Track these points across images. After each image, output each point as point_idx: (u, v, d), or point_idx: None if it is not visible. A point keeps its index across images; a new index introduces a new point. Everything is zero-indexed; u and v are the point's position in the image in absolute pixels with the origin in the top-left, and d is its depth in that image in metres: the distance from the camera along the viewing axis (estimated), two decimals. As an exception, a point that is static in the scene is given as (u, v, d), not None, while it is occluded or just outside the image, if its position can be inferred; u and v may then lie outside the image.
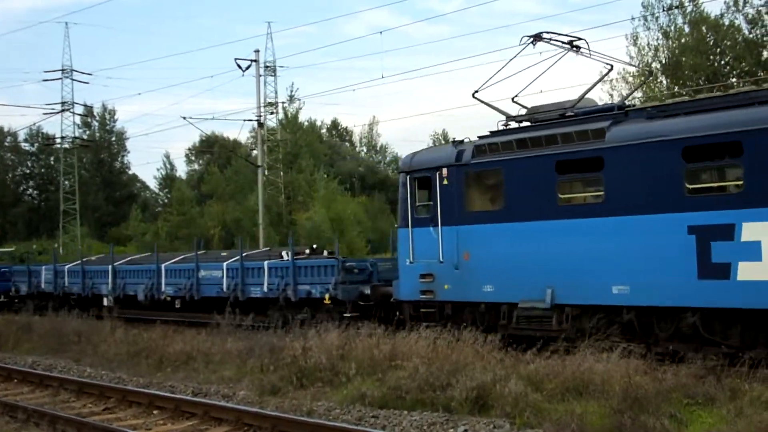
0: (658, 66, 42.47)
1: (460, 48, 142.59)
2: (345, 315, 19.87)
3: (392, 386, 12.98)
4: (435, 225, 17.53)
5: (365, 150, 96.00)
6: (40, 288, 32.03)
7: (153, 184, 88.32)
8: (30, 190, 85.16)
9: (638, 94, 41.85)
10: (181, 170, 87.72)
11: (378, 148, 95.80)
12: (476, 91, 18.00)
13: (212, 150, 75.16)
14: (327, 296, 20.70)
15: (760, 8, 39.13)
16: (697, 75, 41.28)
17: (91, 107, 78.96)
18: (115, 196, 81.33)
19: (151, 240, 53.76)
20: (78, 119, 72.50)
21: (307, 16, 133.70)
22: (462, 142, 17.77)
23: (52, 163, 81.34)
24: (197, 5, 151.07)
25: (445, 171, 17.48)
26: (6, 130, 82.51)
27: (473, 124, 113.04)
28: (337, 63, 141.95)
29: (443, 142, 59.99)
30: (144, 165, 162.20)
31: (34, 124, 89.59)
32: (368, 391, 13.13)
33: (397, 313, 19.43)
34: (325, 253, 23.47)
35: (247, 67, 39.89)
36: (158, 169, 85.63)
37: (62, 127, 68.74)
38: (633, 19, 44.62)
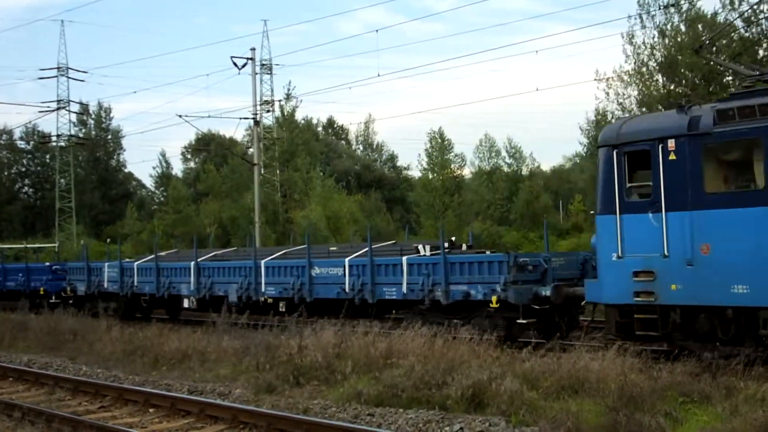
0: (654, 64, 42.50)
1: (455, 46, 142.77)
2: (519, 321, 17.01)
3: (388, 384, 12.98)
4: (656, 210, 14.25)
5: (361, 148, 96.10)
6: (102, 287, 28.98)
7: (149, 183, 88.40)
8: (25, 188, 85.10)
9: (634, 92, 41.98)
10: (177, 168, 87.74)
11: (374, 147, 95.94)
12: (700, 47, 16.06)
13: (208, 148, 75.10)
14: (495, 299, 17.35)
15: (754, 6, 39.13)
16: (693, 74, 41.34)
17: (87, 105, 79.00)
18: (111, 194, 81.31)
19: (148, 239, 53.70)
20: (74, 117, 72.54)
21: (303, 15, 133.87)
22: (691, 107, 14.57)
23: (47, 161, 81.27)
24: (193, 3, 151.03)
25: (671, 143, 14.19)
26: (1, 128, 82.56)
27: (471, 122, 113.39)
28: (333, 61, 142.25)
29: (440, 140, 59.68)
30: (140, 163, 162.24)
31: (30, 122, 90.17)
32: (364, 389, 13.14)
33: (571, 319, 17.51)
34: (464, 247, 21.00)
35: (243, 65, 39.88)
36: (154, 168, 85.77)
37: (58, 125, 68.50)
38: (629, 17, 44.75)
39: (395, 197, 76.28)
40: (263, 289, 22.96)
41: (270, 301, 22.92)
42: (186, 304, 25.80)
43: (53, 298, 30.83)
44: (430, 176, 58.76)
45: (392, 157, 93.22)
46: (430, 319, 18.03)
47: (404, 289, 19.26)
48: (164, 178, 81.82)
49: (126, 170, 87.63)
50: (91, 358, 19.73)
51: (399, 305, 20.03)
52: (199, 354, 17.87)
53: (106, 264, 29.19)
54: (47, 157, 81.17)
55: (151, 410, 13.45)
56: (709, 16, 41.80)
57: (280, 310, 22.43)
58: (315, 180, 55.21)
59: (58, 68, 66.71)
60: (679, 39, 41.79)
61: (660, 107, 41.71)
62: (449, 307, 18.38)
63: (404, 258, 19.56)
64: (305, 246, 23.40)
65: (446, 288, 18.29)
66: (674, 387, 11.83)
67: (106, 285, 28.78)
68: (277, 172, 58.13)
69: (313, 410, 12.53)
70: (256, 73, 41.56)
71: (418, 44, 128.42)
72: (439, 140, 59.06)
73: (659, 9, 41.36)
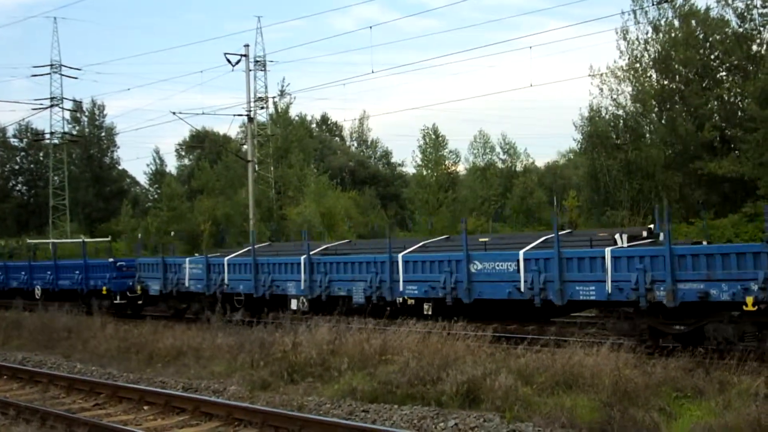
0: (648, 60, 42.56)
1: (450, 42, 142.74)
2: None
3: (383, 381, 13.01)
4: None
5: (356, 145, 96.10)
6: (182, 287, 25.97)
7: (143, 180, 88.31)
8: (19, 185, 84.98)
9: (628, 88, 42.01)
10: (172, 165, 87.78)
11: (368, 143, 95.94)
12: None
13: (202, 145, 75.03)
14: (750, 300, 13.79)
15: (748, 2, 39.23)
16: (687, 69, 41.40)
17: (81, 102, 78.89)
18: (105, 191, 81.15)
19: (144, 237, 53.58)
20: (67, 114, 72.41)
21: (296, 11, 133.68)
22: None
23: (41, 158, 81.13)
24: (186, 0, 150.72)
25: None
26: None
27: (465, 118, 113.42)
28: (326, 57, 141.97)
29: (434, 137, 59.71)
30: (134, 161, 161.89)
31: (23, 119, 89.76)
32: (359, 385, 13.16)
33: None
34: (661, 236, 17.63)
35: (237, 62, 39.79)
36: (148, 165, 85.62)
37: (51, 123, 68.38)
38: (623, 13, 44.77)
39: (390, 194, 76.34)
40: (401, 288, 19.71)
41: (411, 302, 19.76)
42: (294, 305, 22.55)
43: (118, 298, 27.86)
44: (424, 173, 58.77)
45: (386, 154, 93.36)
46: (642, 324, 15.48)
47: (608, 287, 15.75)
48: (158, 175, 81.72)
49: (120, 167, 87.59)
50: (85, 355, 19.70)
51: (597, 307, 17.23)
52: (194, 351, 17.86)
53: (188, 260, 26.40)
54: (41, 154, 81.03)
55: (145, 407, 13.44)
56: (702, 11, 41.88)
57: (425, 312, 19.32)
58: (309, 177, 55.22)
59: (52, 65, 66.57)
60: (672, 34, 41.86)
61: (654, 103, 41.84)
62: (674, 311, 15.14)
63: (608, 249, 16.06)
64: (445, 237, 20.81)
65: (672, 287, 14.81)
66: (668, 382, 11.89)
67: (187, 283, 25.81)
68: (272, 168, 58.11)
69: (307, 407, 12.54)
70: (250, 70, 41.44)
71: (412, 40, 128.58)
72: (433, 137, 59.05)
73: (653, 5, 41.39)
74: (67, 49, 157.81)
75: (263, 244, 27.69)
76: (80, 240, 39.47)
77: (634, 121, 41.23)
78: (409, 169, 75.05)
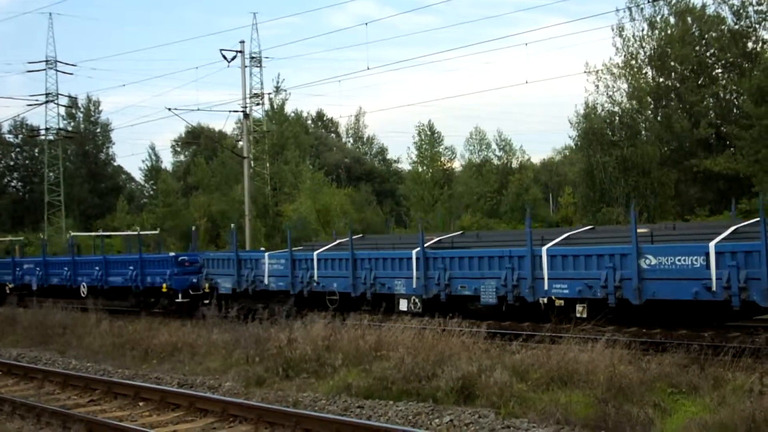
0: (644, 57, 42.62)
1: (445, 39, 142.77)
2: None
3: (378, 377, 13.01)
4: None
5: (351, 141, 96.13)
6: (260, 284, 23.59)
7: (138, 176, 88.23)
8: (14, 181, 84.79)
9: (624, 85, 42.07)
10: (167, 162, 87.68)
11: (364, 140, 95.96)
12: None
13: (198, 141, 74.92)
14: None
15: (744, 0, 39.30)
16: (683, 66, 41.46)
17: (76, 98, 78.79)
18: (101, 187, 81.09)
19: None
20: (62, 110, 72.30)
21: (292, 7, 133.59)
22: None
23: (36, 154, 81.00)
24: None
25: None
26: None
27: (461, 115, 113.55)
28: (322, 54, 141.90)
29: (429, 133, 59.74)
30: (129, 157, 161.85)
31: (18, 115, 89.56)
32: (354, 381, 13.16)
33: None
34: None
35: (233, 58, 39.64)
36: (143, 161, 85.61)
37: (46, 119, 68.25)
38: (618, 10, 44.82)
39: (385, 190, 76.35)
40: (546, 287, 17.12)
41: (560, 303, 17.13)
42: (404, 306, 19.94)
43: (180, 296, 25.56)
44: (420, 169, 58.76)
45: (382, 150, 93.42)
46: None
47: None
48: (154, 171, 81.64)
49: (115, 164, 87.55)
50: (80, 351, 19.66)
51: None
52: (189, 347, 17.84)
53: (267, 255, 23.97)
54: (36, 150, 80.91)
55: (140, 404, 13.43)
56: (698, 8, 41.94)
57: (579, 315, 16.71)
58: (305, 173, 55.22)
59: (47, 61, 66.46)
60: (668, 31, 41.92)
61: (649, 99, 41.89)
62: None
63: None
64: (589, 227, 18.66)
65: None
66: (663, 378, 11.89)
67: (266, 281, 23.38)
68: (267, 165, 58.07)
69: (302, 403, 12.53)
70: (246, 66, 41.36)
71: (408, 36, 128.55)
72: (429, 133, 59.00)
73: (648, 1, 41.47)
74: (62, 45, 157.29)
75: (355, 237, 23.98)
76: (135, 233, 36.43)
77: (630, 118, 41.30)
78: (405, 166, 75.11)
